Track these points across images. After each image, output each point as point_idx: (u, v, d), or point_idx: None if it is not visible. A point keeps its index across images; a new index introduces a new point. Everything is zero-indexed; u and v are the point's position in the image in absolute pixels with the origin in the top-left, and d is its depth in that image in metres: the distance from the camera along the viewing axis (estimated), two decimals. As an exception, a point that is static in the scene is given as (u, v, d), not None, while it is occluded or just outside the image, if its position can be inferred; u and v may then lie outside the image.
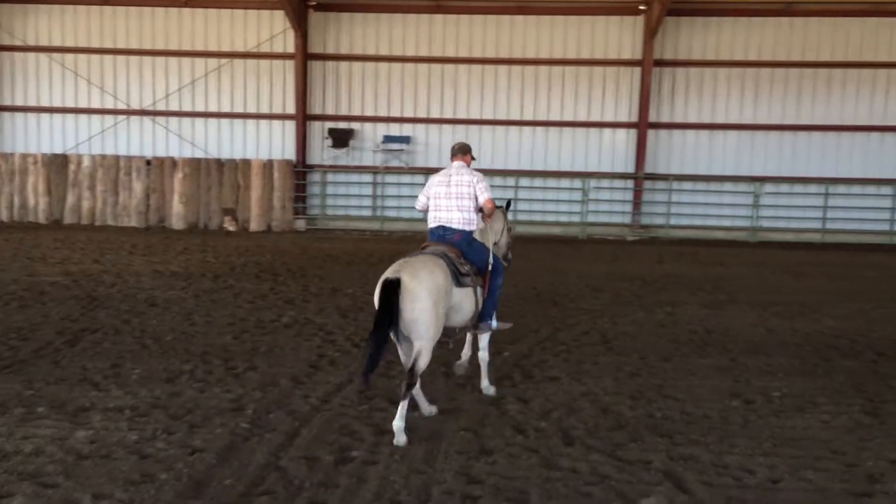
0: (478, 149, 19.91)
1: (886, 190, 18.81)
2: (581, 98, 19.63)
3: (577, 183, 19.53)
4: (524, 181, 19.87)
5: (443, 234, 6.39)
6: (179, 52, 20.12)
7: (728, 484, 4.88)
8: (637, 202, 19.72)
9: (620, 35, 19.35)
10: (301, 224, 20.05)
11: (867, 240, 18.56)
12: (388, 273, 5.52)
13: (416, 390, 5.90)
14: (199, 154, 20.37)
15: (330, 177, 20.37)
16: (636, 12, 19.02)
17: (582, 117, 19.66)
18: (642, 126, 19.19)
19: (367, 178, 20.36)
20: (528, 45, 19.57)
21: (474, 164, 6.96)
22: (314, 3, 19.73)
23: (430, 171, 19.93)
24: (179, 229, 19.45)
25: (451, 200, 6.44)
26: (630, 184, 19.73)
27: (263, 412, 5.96)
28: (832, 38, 18.93)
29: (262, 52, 20.06)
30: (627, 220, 19.86)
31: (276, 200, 19.77)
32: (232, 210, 19.76)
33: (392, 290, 5.38)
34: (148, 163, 19.89)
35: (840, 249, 17.32)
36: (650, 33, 18.55)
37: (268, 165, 19.66)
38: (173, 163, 19.77)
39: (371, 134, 20.29)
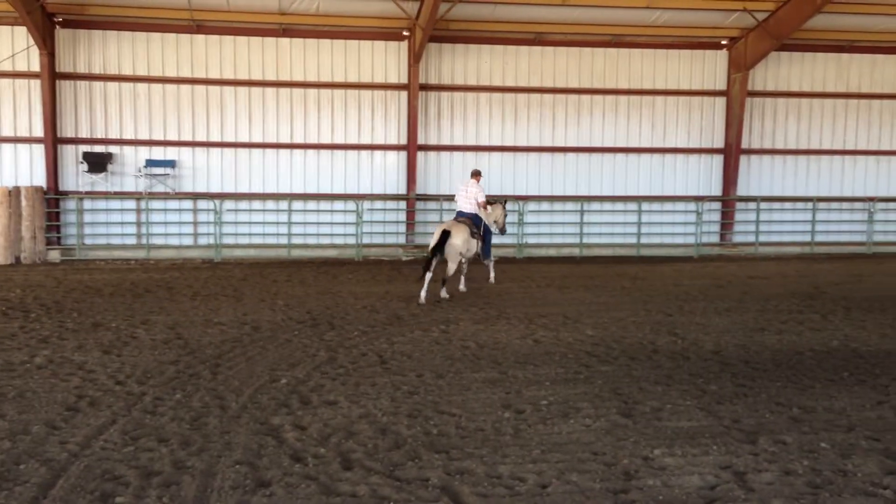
0: (247, 172, 19.52)
1: (632, 206, 20.52)
2: (351, 121, 19.77)
3: (351, 205, 19.62)
4: (297, 204, 19.66)
5: (463, 214, 13.50)
6: None
7: (501, 494, 5.05)
8: (410, 223, 20.13)
9: (386, 59, 19.73)
10: (55, 255, 18.50)
11: (619, 252, 20.13)
12: (444, 226, 12.60)
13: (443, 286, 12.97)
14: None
15: (88, 204, 19.01)
16: (400, 38, 19.49)
17: (353, 140, 19.80)
18: (412, 148, 19.65)
19: (130, 204, 19.21)
20: (296, 68, 19.43)
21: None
22: (60, 20, 18.38)
23: (199, 196, 19.20)
24: None
25: (466, 200, 13.71)
26: (403, 205, 20.10)
27: (12, 463, 5.40)
28: (578, 66, 20.46)
29: (3, 70, 18.39)
30: (402, 240, 20.21)
31: (24, 230, 18.09)
32: (-28, 243, 17.83)
33: (445, 234, 12.37)
34: None
35: (596, 262, 18.65)
36: (414, 58, 19.08)
37: (14, 193, 17.97)
38: None
39: (133, 158, 19.18)
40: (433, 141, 20.10)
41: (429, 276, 12.52)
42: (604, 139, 20.68)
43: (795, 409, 6.94)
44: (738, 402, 7.14)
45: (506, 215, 14.48)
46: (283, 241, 19.50)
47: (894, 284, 14.96)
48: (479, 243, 13.37)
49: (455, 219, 13.27)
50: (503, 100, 20.27)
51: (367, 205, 19.72)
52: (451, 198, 20.07)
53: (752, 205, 20.74)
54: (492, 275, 14.60)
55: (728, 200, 20.85)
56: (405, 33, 19.35)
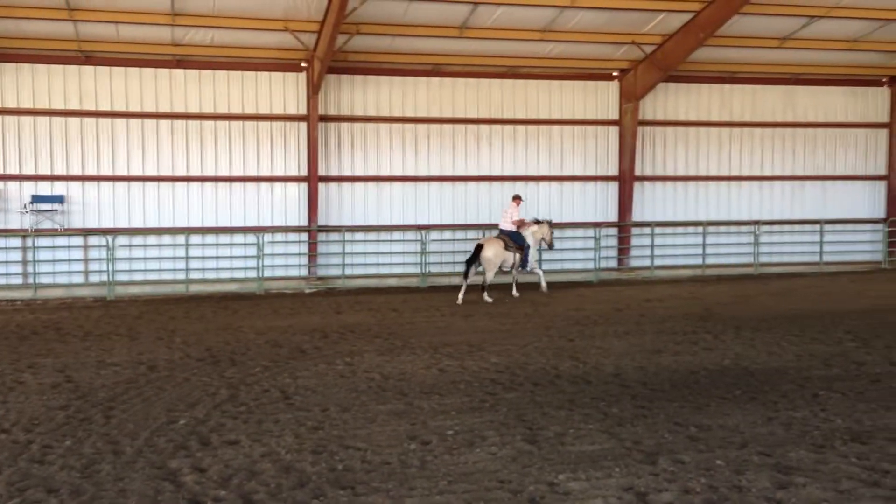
0: (141, 207, 18.96)
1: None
2: (250, 152, 19.47)
3: (252, 238, 19.27)
4: (195, 238, 19.18)
5: (503, 232, 16.79)
6: None
7: (409, 527, 5.00)
8: (313, 254, 19.90)
9: (285, 91, 19.57)
10: (-68, 298, 17.46)
11: (521, 279, 20.35)
12: (480, 241, 16.47)
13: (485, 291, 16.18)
14: None
15: (-33, 243, 18.05)
16: (298, 69, 19.38)
17: (252, 172, 19.50)
18: (312, 180, 19.48)
19: (15, 242, 18.34)
20: (191, 100, 19.05)
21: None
22: (-63, 49, 17.55)
23: (89, 232, 18.50)
24: None
25: (505, 220, 17.09)
26: (305, 237, 19.88)
27: None
28: (477, 96, 20.79)
29: None
30: (304, 272, 19.95)
31: None
32: None
33: (479, 248, 16.17)
34: None
35: (499, 289, 18.78)
36: (313, 90, 18.98)
37: None
38: None
39: (16, 194, 18.35)
40: (334, 172, 20.01)
41: (466, 282, 16.39)
42: (503, 168, 21.03)
43: (692, 428, 7.16)
44: (639, 424, 7.31)
45: (552, 232, 17.81)
46: (181, 276, 18.97)
47: (780, 304, 15.66)
48: (517, 255, 16.79)
49: (497, 236, 16.96)
50: (403, 130, 20.39)
51: (268, 237, 19.41)
52: (354, 229, 19.99)
53: (647, 230, 21.41)
54: (542, 283, 17.70)
55: (624, 226, 21.47)
56: (303, 64, 19.25)
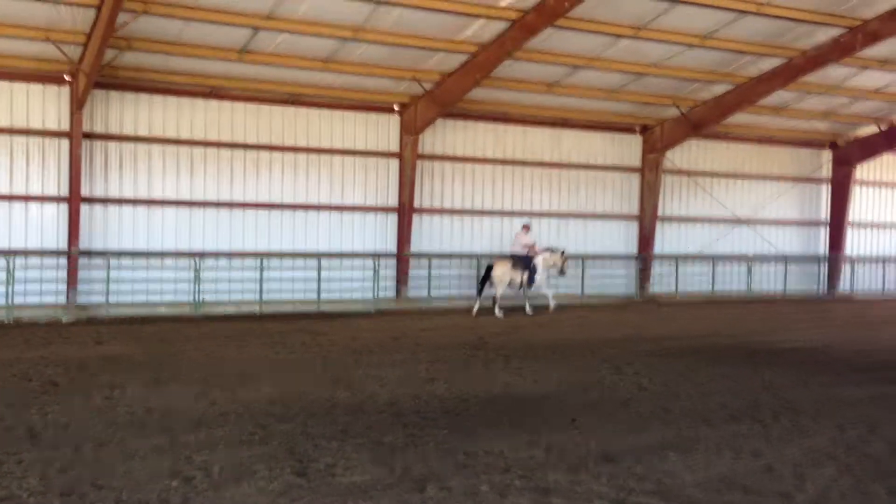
0: None
1: (312, 262, 20.69)
2: (1, 169, 17.81)
3: (1, 262, 17.55)
4: (-68, 261, 17.18)
5: (512, 254, 19.90)
6: None
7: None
8: (72, 280, 18.43)
9: (44, 104, 18.09)
10: None
11: (299, 308, 20.13)
12: (492, 261, 19.77)
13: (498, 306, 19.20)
14: None
15: None
16: (61, 82, 18.03)
17: (4, 190, 17.82)
18: (74, 201, 18.07)
19: None
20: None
21: None
22: None
23: None
24: None
25: (515, 245, 20.22)
26: (63, 261, 18.40)
27: None
28: (257, 122, 20.37)
29: None
30: (62, 299, 18.42)
31: None
32: None
33: (490, 268, 19.42)
34: None
35: (277, 318, 18.44)
36: (77, 105, 17.70)
37: None
38: None
39: None
40: (100, 193, 18.74)
41: (479, 298, 19.48)
42: (283, 196, 20.73)
43: (461, 455, 7.34)
44: (409, 452, 7.40)
45: (565, 261, 20.55)
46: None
47: (546, 334, 16.58)
48: (524, 275, 19.62)
49: (507, 257, 20.00)
50: (178, 152, 19.54)
51: (19, 261, 17.77)
52: (122, 254, 18.78)
53: (425, 261, 21.92)
54: (551, 304, 20.23)
55: (403, 257, 21.85)
56: (67, 78, 17.94)
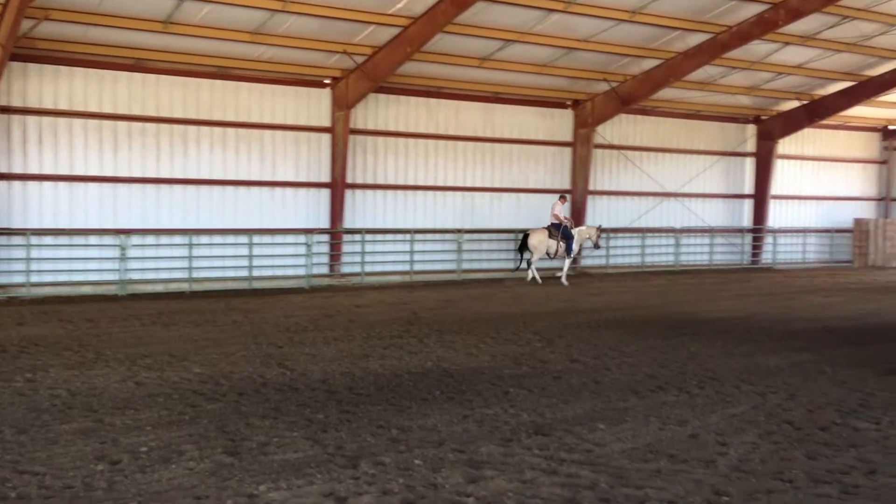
0: None
1: (243, 239, 20.37)
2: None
3: (-87, 242, 16.84)
4: None
5: (550, 224, 21.42)
6: None
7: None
8: (-12, 260, 17.80)
9: (-43, 76, 17.38)
10: None
11: (230, 286, 19.82)
12: (528, 230, 21.47)
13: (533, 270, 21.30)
14: None
15: None
16: (-24, 53, 17.29)
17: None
18: (-8, 177, 17.47)
19: None
20: None
21: None
22: None
23: None
24: None
25: (552, 214, 21.58)
26: (-21, 241, 17.75)
27: None
28: (183, 96, 19.86)
29: None
30: (-20, 279, 17.79)
31: None
32: None
33: (526, 236, 21.25)
34: None
35: (207, 297, 18.11)
36: (-7, 77, 17.05)
37: None
38: None
39: None
40: (18, 170, 18.08)
41: (524, 264, 21.40)
42: (212, 171, 20.31)
43: (394, 430, 7.35)
44: (343, 429, 7.38)
45: (599, 235, 22.29)
46: None
47: (479, 308, 16.68)
48: (560, 244, 21.15)
49: (545, 227, 21.44)
50: (101, 127, 18.93)
51: (-66, 241, 17.07)
52: (42, 232, 18.21)
53: (358, 237, 21.79)
54: (564, 274, 21.56)
55: (335, 233, 21.67)
56: (-18, 49, 17.19)
